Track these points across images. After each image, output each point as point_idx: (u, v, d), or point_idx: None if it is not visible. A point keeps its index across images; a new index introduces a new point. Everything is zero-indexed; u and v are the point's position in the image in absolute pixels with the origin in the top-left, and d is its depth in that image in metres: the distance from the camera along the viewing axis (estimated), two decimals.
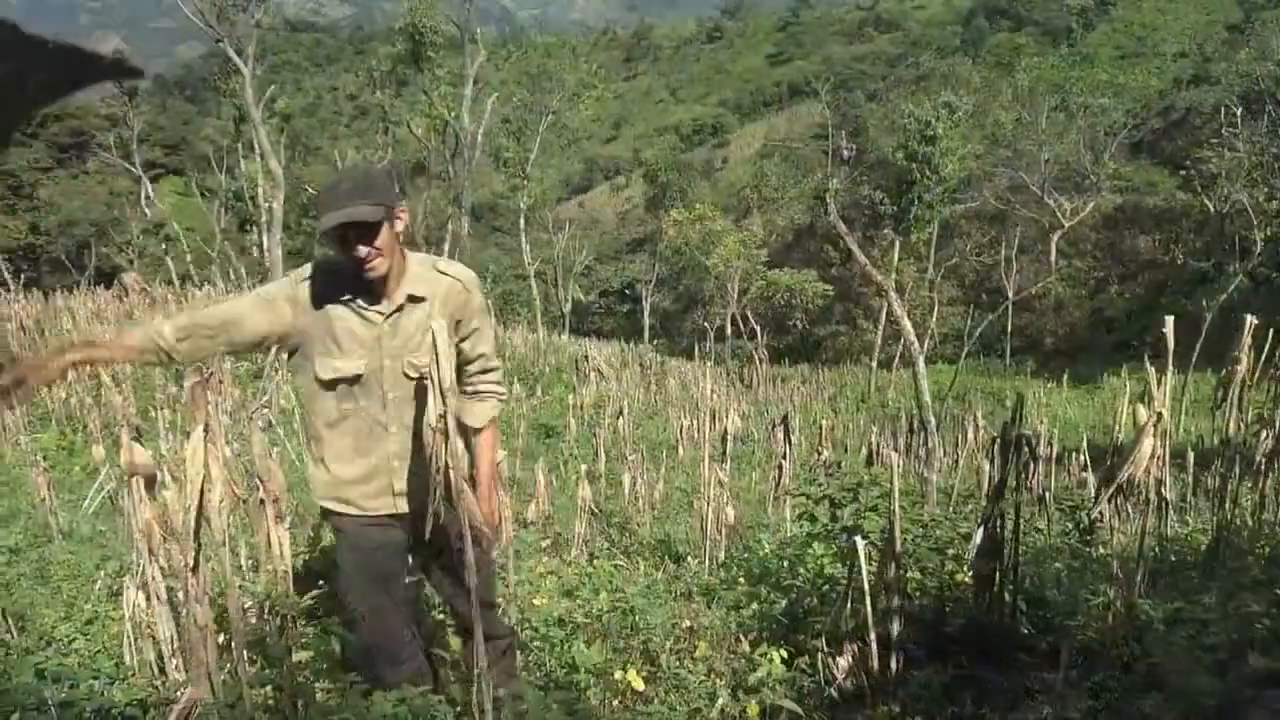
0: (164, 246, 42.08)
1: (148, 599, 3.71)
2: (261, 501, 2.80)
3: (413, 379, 2.95)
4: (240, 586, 2.75)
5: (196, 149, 52.90)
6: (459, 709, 3.02)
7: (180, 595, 2.57)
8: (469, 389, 3.13)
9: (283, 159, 28.45)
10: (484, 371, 3.15)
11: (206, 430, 2.34)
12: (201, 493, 2.36)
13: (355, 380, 2.95)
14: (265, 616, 3.30)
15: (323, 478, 3.01)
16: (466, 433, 3.09)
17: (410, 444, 3.00)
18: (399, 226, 2.87)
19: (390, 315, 2.91)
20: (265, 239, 26.92)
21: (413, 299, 2.93)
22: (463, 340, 3.05)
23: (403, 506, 3.05)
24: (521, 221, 37.31)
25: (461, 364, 3.07)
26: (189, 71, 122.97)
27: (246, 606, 3.71)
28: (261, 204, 32.26)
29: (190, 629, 2.44)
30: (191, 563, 2.37)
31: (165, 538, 3.35)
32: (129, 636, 3.95)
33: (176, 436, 9.78)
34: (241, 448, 6.97)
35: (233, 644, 2.69)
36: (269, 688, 3.17)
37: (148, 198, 41.04)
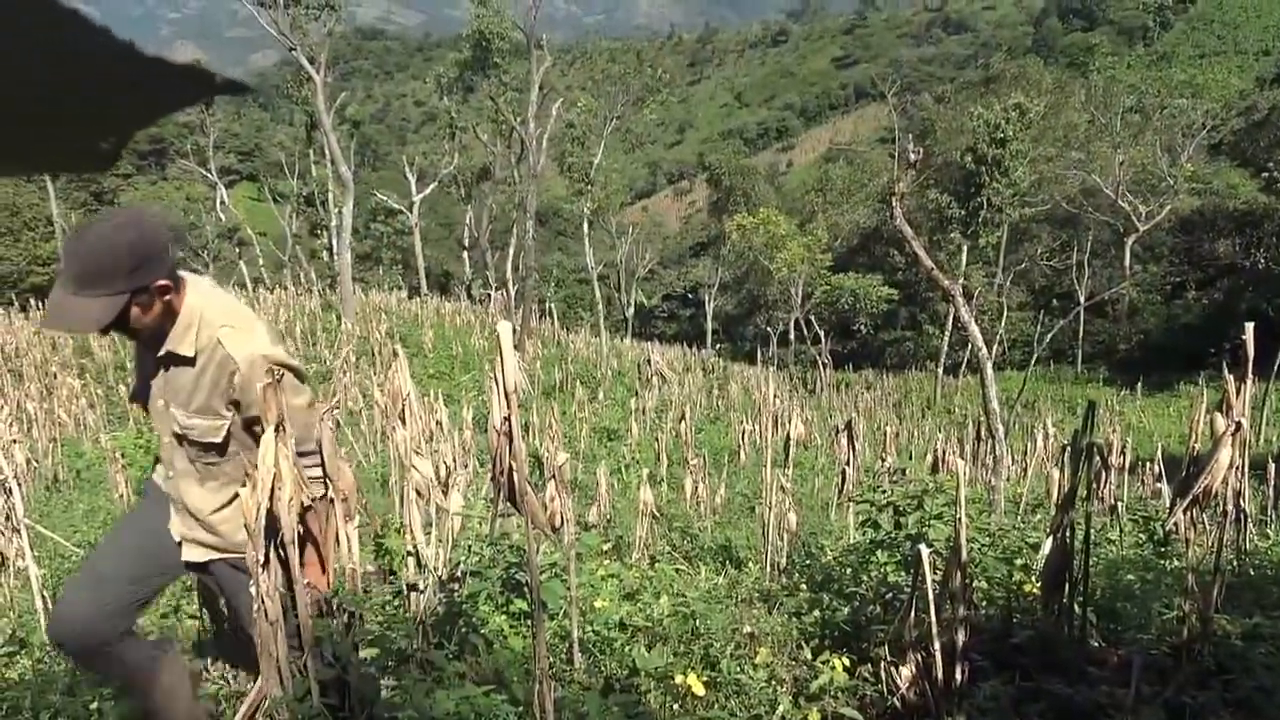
0: (238, 250, 43.23)
1: None
2: (331, 500, 2.85)
3: (177, 435, 2.67)
4: (308, 583, 2.80)
5: (269, 155, 54.27)
6: (520, 707, 3.04)
7: (251, 591, 2.63)
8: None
9: (352, 165, 28.98)
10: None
11: (277, 430, 2.39)
12: (272, 491, 2.41)
13: (145, 405, 2.76)
14: (333, 613, 3.36)
15: None
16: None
17: (184, 498, 2.76)
18: (155, 299, 2.48)
19: (160, 361, 2.61)
20: (335, 243, 27.45)
21: (175, 358, 2.58)
22: (253, 424, 2.64)
23: (188, 554, 2.84)
24: (585, 225, 37.51)
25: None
26: (263, 80, 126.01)
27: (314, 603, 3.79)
28: (332, 209, 32.93)
29: (261, 624, 2.50)
30: (262, 559, 2.43)
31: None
32: (203, 629, 4.06)
33: None
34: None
35: (301, 639, 2.74)
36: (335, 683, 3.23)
37: (223, 203, 42.16)
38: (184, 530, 2.80)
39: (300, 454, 2.66)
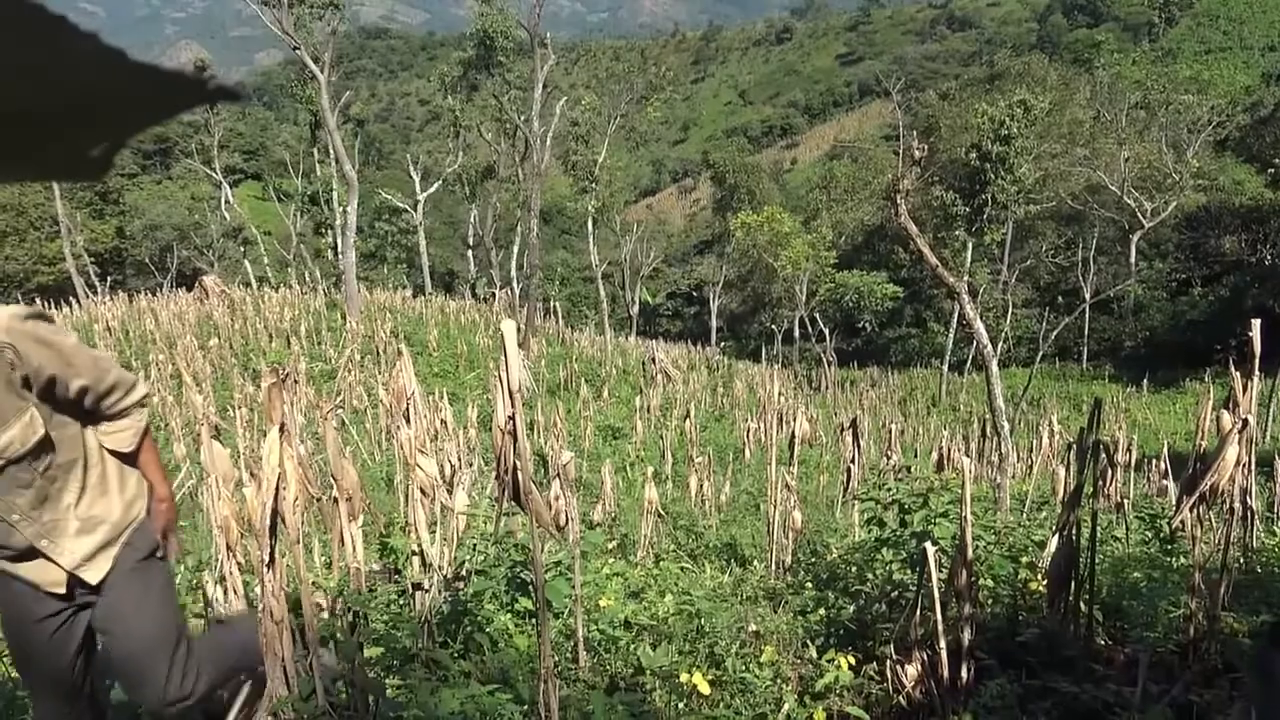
0: (242, 249, 43.29)
1: (225, 593, 3.81)
2: (335, 500, 2.85)
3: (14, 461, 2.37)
4: (314, 582, 2.79)
5: (274, 154, 54.33)
6: (525, 706, 3.04)
7: (257, 590, 2.63)
8: (106, 419, 2.59)
9: (357, 163, 29.01)
10: (103, 398, 2.54)
11: (282, 430, 2.39)
12: (277, 490, 2.41)
13: None
14: (338, 612, 3.36)
15: None
16: (131, 461, 2.68)
17: (53, 518, 2.49)
18: None
19: None
20: (340, 242, 27.49)
21: None
22: (50, 390, 2.41)
23: (91, 575, 2.59)
24: (589, 224, 37.51)
25: (80, 404, 2.51)
26: (267, 79, 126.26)
27: (320, 602, 3.79)
28: (336, 207, 32.99)
29: (266, 623, 2.50)
30: (268, 558, 2.43)
31: (242, 534, 3.44)
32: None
33: (254, 435, 10.03)
34: (315, 446, 7.12)
35: (307, 638, 2.75)
36: (341, 682, 3.23)
37: (227, 202, 42.24)
38: (77, 558, 2.52)
39: (106, 396, 2.51)
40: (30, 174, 0.37)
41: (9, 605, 2.54)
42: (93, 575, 2.54)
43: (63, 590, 2.51)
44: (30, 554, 2.46)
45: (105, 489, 2.58)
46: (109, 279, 38.50)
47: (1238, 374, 3.49)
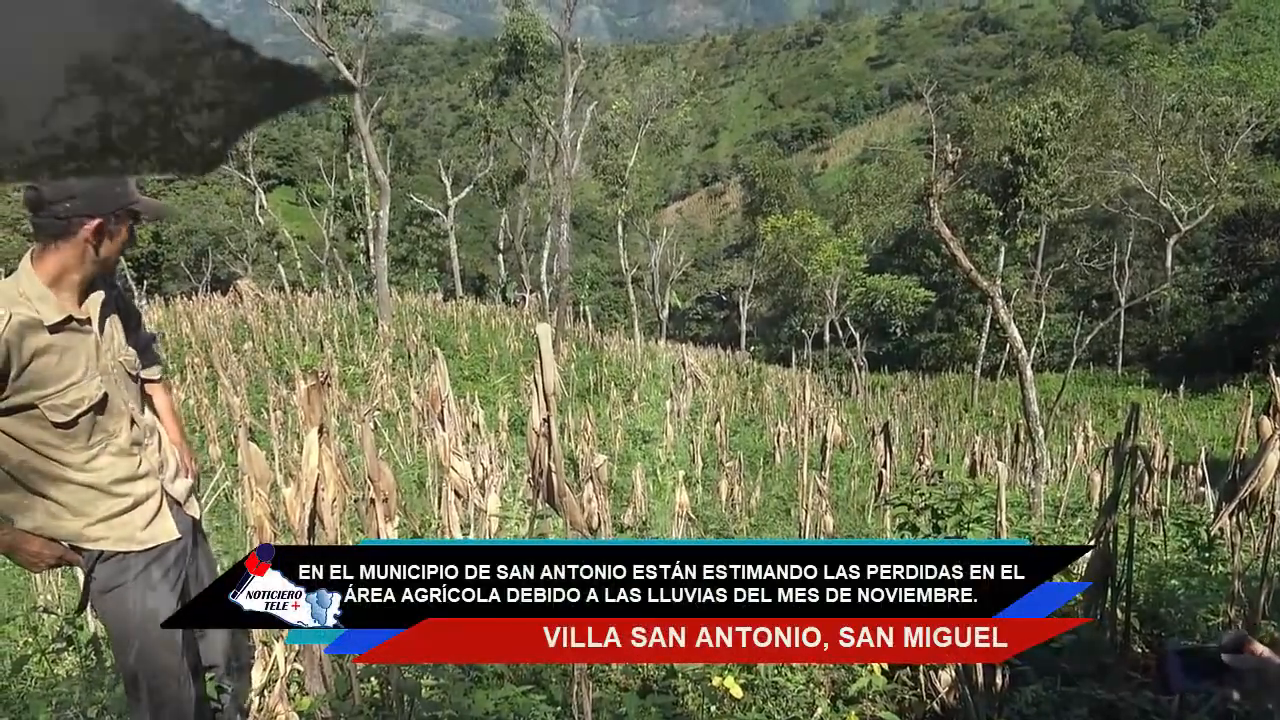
0: (276, 254, 43.70)
1: None
2: (372, 501, 2.88)
3: (134, 376, 2.53)
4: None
5: (307, 160, 54.78)
6: (558, 707, 3.06)
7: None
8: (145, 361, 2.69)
9: (388, 168, 29.22)
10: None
11: (321, 431, 2.42)
12: (316, 491, 2.44)
13: (101, 406, 2.36)
14: None
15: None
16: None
17: (160, 438, 2.59)
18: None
19: (100, 323, 2.42)
20: (372, 246, 27.71)
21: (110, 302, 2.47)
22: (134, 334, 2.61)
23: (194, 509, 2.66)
24: (619, 228, 37.56)
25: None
26: None
27: None
28: (368, 212, 33.24)
29: None
30: None
31: (276, 535, 3.48)
32: None
33: (288, 437, 10.13)
34: (348, 448, 7.19)
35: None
36: (375, 681, 3.26)
37: (261, 207, 42.66)
38: (181, 494, 2.58)
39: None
40: (152, 168, 0.37)
41: (131, 590, 2.44)
42: (194, 511, 2.61)
43: (178, 534, 2.49)
44: (150, 493, 2.45)
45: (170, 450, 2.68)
46: (146, 283, 39.01)
47: (1277, 379, 3.45)
